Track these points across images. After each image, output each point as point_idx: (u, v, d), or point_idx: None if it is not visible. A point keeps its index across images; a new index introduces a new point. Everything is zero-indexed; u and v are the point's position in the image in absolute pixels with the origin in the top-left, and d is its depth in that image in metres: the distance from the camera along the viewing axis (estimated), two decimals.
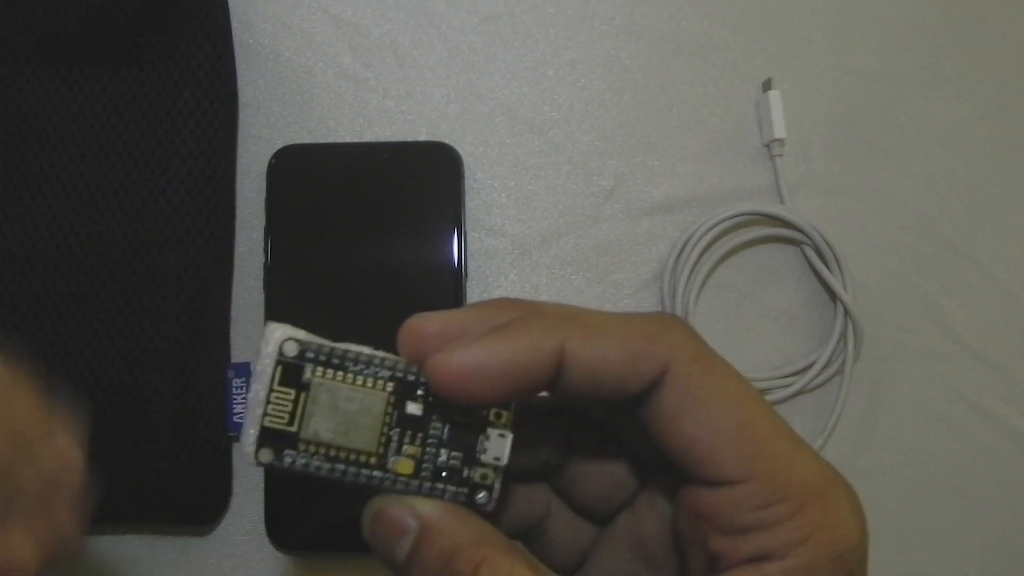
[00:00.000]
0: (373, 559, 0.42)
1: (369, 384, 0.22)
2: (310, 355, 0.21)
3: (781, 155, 0.43)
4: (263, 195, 0.41)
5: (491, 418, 0.22)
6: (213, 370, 0.39)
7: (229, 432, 0.39)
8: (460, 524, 0.22)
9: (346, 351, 0.22)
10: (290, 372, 0.21)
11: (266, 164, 0.41)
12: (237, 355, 0.41)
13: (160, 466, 0.38)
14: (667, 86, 0.43)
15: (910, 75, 0.44)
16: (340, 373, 0.21)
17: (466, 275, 0.41)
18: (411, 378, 0.22)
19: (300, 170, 0.41)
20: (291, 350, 0.21)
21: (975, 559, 0.42)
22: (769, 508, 0.21)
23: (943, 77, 0.44)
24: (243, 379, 0.39)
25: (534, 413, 0.24)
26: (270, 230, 0.41)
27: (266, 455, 0.21)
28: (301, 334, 0.21)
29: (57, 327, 0.38)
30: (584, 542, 0.26)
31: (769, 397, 0.42)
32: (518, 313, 0.22)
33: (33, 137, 0.39)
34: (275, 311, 0.40)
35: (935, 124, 0.44)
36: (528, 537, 0.27)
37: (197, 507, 0.39)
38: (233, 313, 0.41)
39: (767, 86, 0.43)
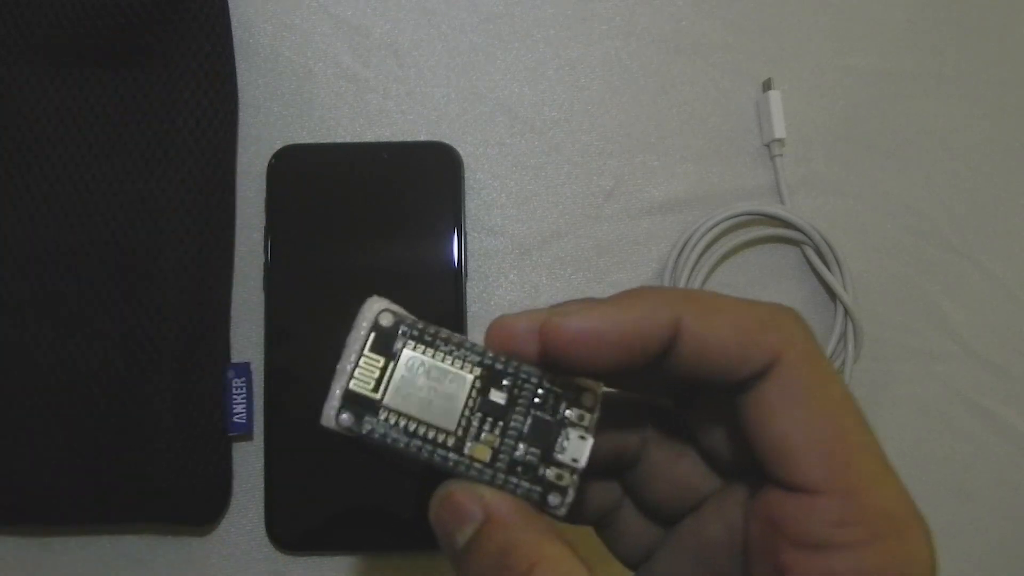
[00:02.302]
0: (374, 558, 0.42)
1: (457, 365, 0.22)
2: (404, 328, 0.22)
3: (781, 155, 0.43)
4: (263, 195, 0.41)
5: (574, 419, 0.22)
6: (213, 370, 0.39)
7: (229, 432, 0.39)
8: (524, 521, 0.21)
9: (439, 331, 0.22)
10: (383, 341, 0.22)
11: (266, 164, 0.41)
12: (237, 355, 0.41)
13: (160, 466, 0.38)
14: (667, 86, 0.43)
15: (910, 75, 0.44)
16: (430, 350, 0.22)
17: (466, 275, 0.41)
18: (500, 367, 0.22)
19: (300, 170, 0.41)
20: (387, 320, 0.22)
21: (975, 559, 0.42)
22: (845, 527, 0.20)
23: (943, 77, 0.44)
24: (243, 379, 0.39)
25: (611, 409, 0.24)
26: (270, 230, 0.41)
27: (345, 419, 0.21)
28: (397, 308, 0.22)
29: (57, 327, 0.38)
30: (652, 539, 0.26)
31: None
32: (629, 292, 0.21)
33: (33, 137, 0.39)
34: (275, 311, 0.40)
35: (935, 124, 0.44)
36: (600, 524, 0.27)
37: (197, 507, 0.39)
38: (233, 313, 0.41)
39: (767, 86, 0.43)
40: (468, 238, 0.42)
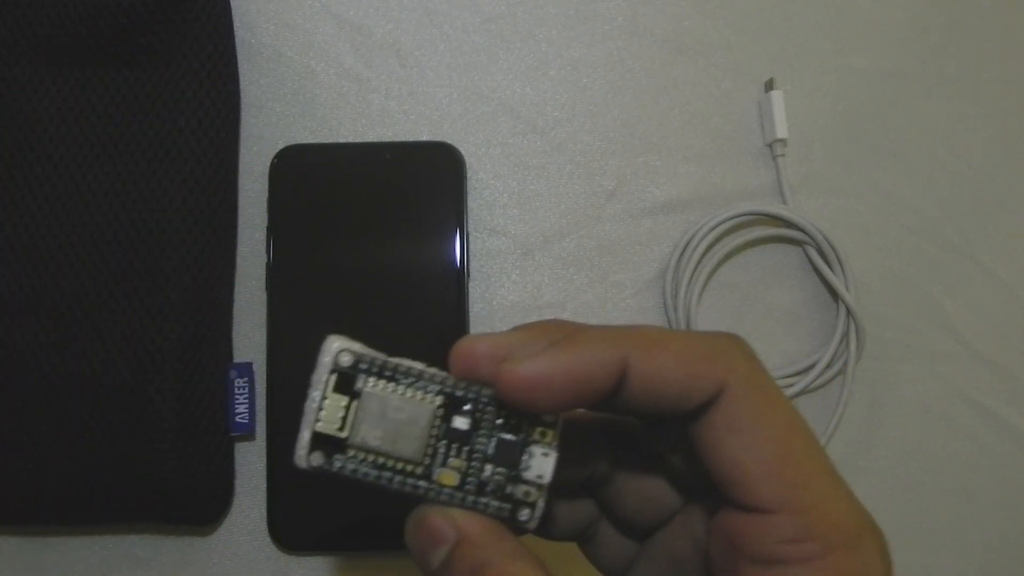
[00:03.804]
0: (375, 558, 0.42)
1: (418, 396, 0.22)
2: (363, 366, 0.22)
3: (783, 155, 0.43)
4: (265, 195, 0.41)
5: (536, 436, 0.23)
6: (215, 370, 0.39)
7: (231, 432, 0.39)
8: (495, 540, 0.22)
9: (398, 364, 0.23)
10: (344, 380, 0.22)
11: (268, 164, 0.41)
12: (239, 355, 0.41)
13: (162, 466, 0.38)
14: (669, 86, 0.43)
15: (912, 75, 0.44)
16: (391, 384, 0.22)
17: (468, 275, 0.41)
18: (459, 393, 0.22)
19: (302, 170, 0.41)
20: (346, 360, 0.22)
21: (976, 559, 0.42)
22: (798, 544, 0.21)
23: (945, 77, 0.44)
24: (245, 379, 0.39)
25: (581, 430, 0.25)
26: (272, 230, 0.41)
27: (317, 458, 0.22)
28: (357, 346, 0.22)
29: (60, 327, 0.38)
30: (630, 553, 0.27)
31: None
32: (570, 330, 0.22)
33: (36, 138, 0.39)
34: (277, 311, 0.40)
35: (937, 124, 0.44)
36: (581, 540, 0.28)
37: (199, 507, 0.39)
38: (235, 313, 0.41)
39: (769, 86, 0.43)
40: (470, 238, 0.42)
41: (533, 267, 0.42)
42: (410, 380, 0.22)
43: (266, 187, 0.41)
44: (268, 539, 0.40)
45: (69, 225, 0.39)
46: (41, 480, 0.38)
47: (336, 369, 0.22)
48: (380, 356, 0.23)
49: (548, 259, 0.42)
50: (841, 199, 0.43)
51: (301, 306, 0.40)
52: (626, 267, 0.43)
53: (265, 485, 0.40)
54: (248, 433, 0.40)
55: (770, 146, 0.43)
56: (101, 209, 0.39)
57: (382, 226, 0.41)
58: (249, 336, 0.41)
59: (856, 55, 0.44)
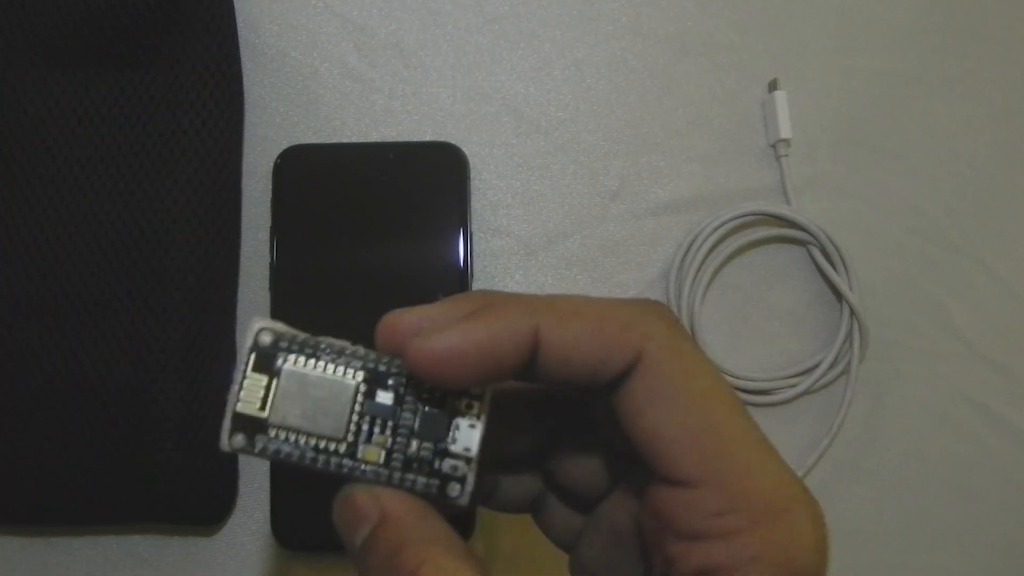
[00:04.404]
0: None
1: (339, 372, 0.22)
2: (283, 344, 0.22)
3: (787, 155, 0.43)
4: (269, 195, 0.41)
5: (463, 408, 0.22)
6: (219, 370, 0.39)
7: None
8: (417, 520, 0.21)
9: (319, 342, 0.22)
10: (263, 359, 0.22)
11: (272, 164, 0.41)
12: None
13: (166, 466, 0.38)
14: (673, 86, 0.43)
15: (916, 76, 0.44)
16: (312, 361, 0.22)
17: (472, 275, 0.41)
18: (383, 368, 0.22)
19: (306, 170, 0.41)
20: (265, 339, 0.22)
21: (979, 560, 0.42)
22: (722, 517, 0.20)
23: (949, 78, 0.44)
24: None
25: (518, 401, 0.24)
26: (276, 230, 0.41)
27: (238, 441, 0.22)
28: (279, 325, 0.22)
29: (64, 327, 0.38)
30: (576, 524, 0.26)
31: (774, 397, 0.42)
32: (493, 301, 0.22)
33: (39, 139, 0.39)
34: (281, 311, 0.40)
35: (941, 125, 0.44)
36: (532, 511, 0.27)
37: (203, 507, 0.39)
38: (239, 313, 0.41)
39: (773, 86, 0.43)
40: (474, 238, 0.42)
41: (537, 267, 0.42)
42: (331, 356, 0.22)
43: (269, 187, 0.41)
44: (272, 539, 0.40)
45: (73, 226, 0.39)
46: (45, 480, 0.38)
47: (255, 348, 0.22)
48: (302, 335, 0.22)
49: (552, 259, 0.43)
50: (844, 200, 0.43)
51: (304, 306, 0.40)
52: (629, 267, 0.43)
53: (268, 485, 0.40)
54: None
55: (774, 146, 0.43)
56: (105, 210, 0.39)
57: (385, 226, 0.41)
58: None
59: (860, 56, 0.44)
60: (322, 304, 0.40)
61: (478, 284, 0.42)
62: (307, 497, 0.40)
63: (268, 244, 0.41)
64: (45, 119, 0.39)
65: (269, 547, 0.40)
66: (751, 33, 0.44)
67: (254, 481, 0.41)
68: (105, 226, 0.39)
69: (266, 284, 0.41)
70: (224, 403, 0.22)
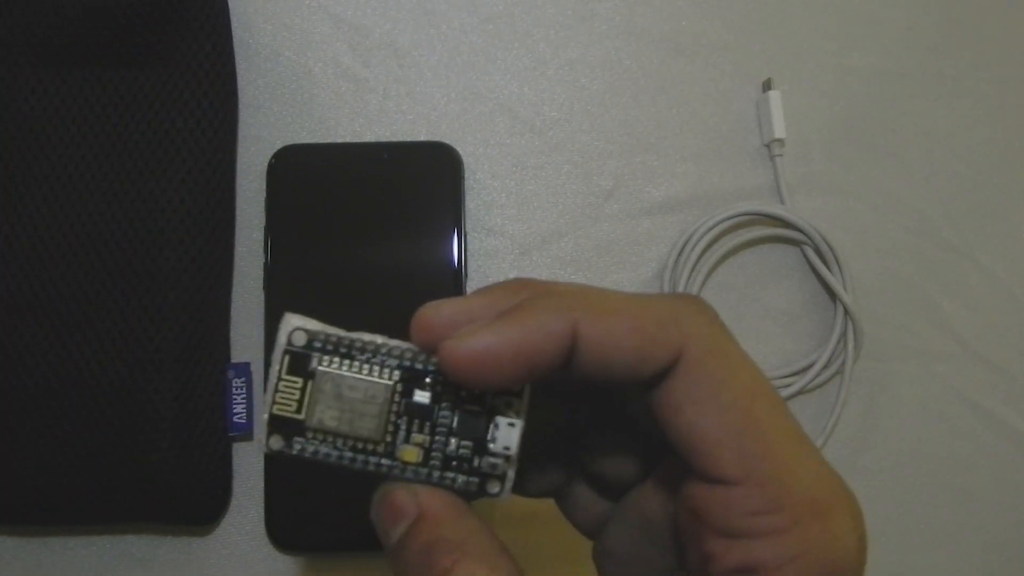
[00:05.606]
0: (373, 558, 0.42)
1: (375, 373, 0.22)
2: (317, 344, 0.22)
3: (781, 155, 0.43)
4: (263, 195, 0.41)
5: (501, 406, 0.22)
6: (213, 370, 0.39)
7: (229, 432, 0.39)
8: (454, 519, 0.21)
9: (354, 340, 0.22)
10: (298, 361, 0.22)
11: (266, 164, 0.41)
12: (237, 355, 0.41)
13: (160, 466, 0.38)
14: (667, 86, 0.43)
15: (910, 75, 0.44)
16: (346, 362, 0.22)
17: (466, 275, 0.41)
18: (419, 367, 0.22)
19: (300, 170, 0.41)
20: (299, 340, 0.22)
21: (975, 559, 0.42)
22: (763, 516, 0.20)
23: (943, 77, 0.44)
24: (243, 379, 0.39)
25: (553, 388, 0.23)
26: (270, 230, 0.41)
27: (276, 442, 0.22)
28: (312, 324, 0.22)
29: (57, 327, 0.38)
30: (604, 511, 0.26)
31: None
32: (528, 294, 0.21)
33: (33, 137, 0.39)
34: (275, 311, 0.40)
35: (935, 124, 0.44)
36: (557, 497, 0.27)
37: (197, 507, 0.39)
38: (233, 313, 0.41)
39: (767, 86, 0.43)
40: (468, 238, 0.42)
41: (531, 267, 0.42)
42: (366, 356, 0.22)
43: (264, 187, 0.41)
44: (266, 539, 0.40)
45: (67, 225, 0.39)
46: (39, 480, 0.38)
47: (289, 349, 0.22)
48: (336, 333, 0.22)
49: (546, 259, 0.42)
50: (839, 199, 0.43)
51: (299, 306, 0.40)
52: (624, 267, 0.43)
53: (263, 485, 0.40)
54: (246, 433, 0.40)
55: (768, 146, 0.43)
56: (99, 209, 0.39)
57: (380, 226, 0.41)
58: (247, 336, 0.41)
59: (854, 55, 0.44)
60: (316, 304, 0.40)
61: (472, 284, 0.42)
62: (302, 498, 0.40)
63: (262, 244, 0.41)
64: (39, 118, 0.39)
65: (263, 547, 0.40)
66: (745, 33, 0.44)
67: (248, 481, 0.41)
68: (99, 225, 0.39)
69: (260, 284, 0.41)
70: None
